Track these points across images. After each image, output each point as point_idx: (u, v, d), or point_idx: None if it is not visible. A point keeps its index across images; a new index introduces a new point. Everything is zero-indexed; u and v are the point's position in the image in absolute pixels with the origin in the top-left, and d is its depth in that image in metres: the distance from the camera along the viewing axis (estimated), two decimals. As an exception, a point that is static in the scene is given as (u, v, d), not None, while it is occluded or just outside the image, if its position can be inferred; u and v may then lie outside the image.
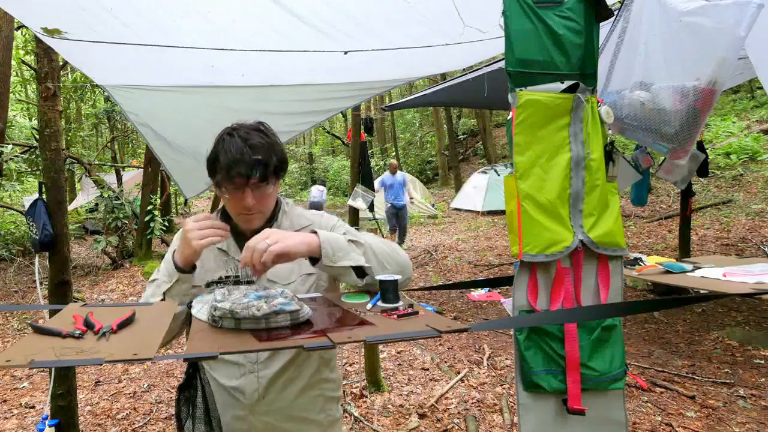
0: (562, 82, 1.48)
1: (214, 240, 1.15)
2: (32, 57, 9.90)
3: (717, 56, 1.66)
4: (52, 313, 1.08)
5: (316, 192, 12.43)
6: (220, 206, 1.36)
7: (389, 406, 3.31)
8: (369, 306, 1.11)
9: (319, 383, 1.33)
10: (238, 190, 1.19)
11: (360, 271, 1.17)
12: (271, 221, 1.31)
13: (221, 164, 1.17)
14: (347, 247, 1.16)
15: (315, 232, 1.15)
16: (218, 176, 1.19)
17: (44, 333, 0.89)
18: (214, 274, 1.27)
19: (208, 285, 1.25)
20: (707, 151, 5.35)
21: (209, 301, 1.06)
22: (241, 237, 1.28)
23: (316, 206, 11.25)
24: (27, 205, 2.65)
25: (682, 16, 1.75)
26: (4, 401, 3.77)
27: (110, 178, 10.69)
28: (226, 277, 1.25)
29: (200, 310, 1.08)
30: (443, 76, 7.37)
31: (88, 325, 0.92)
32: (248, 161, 1.16)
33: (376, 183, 8.32)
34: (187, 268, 1.18)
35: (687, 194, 5.08)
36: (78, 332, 0.89)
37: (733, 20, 1.61)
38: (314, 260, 1.15)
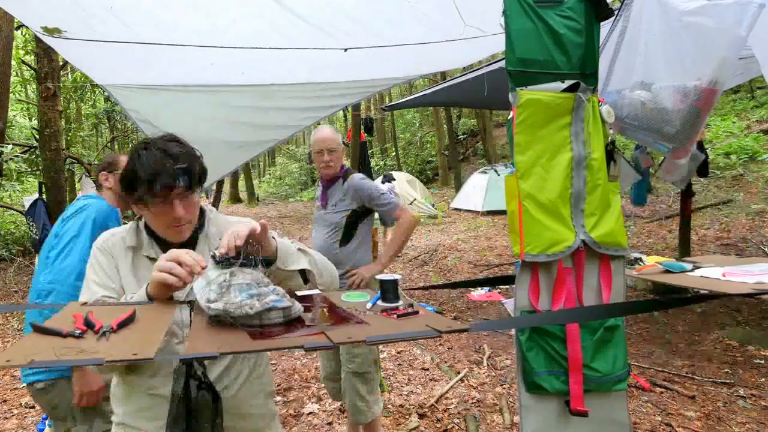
0: (563, 82, 1.48)
1: (176, 284, 1.07)
2: (32, 57, 9.88)
3: (718, 56, 1.66)
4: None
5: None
6: (138, 222, 1.31)
7: (389, 406, 3.30)
8: (369, 305, 1.11)
9: (259, 378, 1.36)
10: (164, 203, 1.17)
11: (304, 277, 1.24)
12: (198, 230, 1.31)
13: (142, 178, 1.14)
14: (297, 253, 1.25)
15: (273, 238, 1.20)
16: (140, 191, 1.15)
17: (45, 333, 0.89)
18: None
19: (213, 257, 1.18)
20: (707, 151, 5.34)
21: (200, 285, 1.06)
22: (165, 246, 1.26)
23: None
24: (27, 205, 2.66)
25: (683, 16, 1.75)
26: (4, 401, 3.76)
27: (110, 178, 10.66)
28: (234, 257, 1.22)
29: (203, 288, 1.06)
30: (443, 76, 7.37)
31: (88, 324, 0.92)
32: (171, 171, 1.15)
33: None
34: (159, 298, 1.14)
35: (687, 194, 5.07)
36: (78, 332, 0.89)
37: (734, 20, 1.61)
38: (268, 263, 1.18)
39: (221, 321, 1.00)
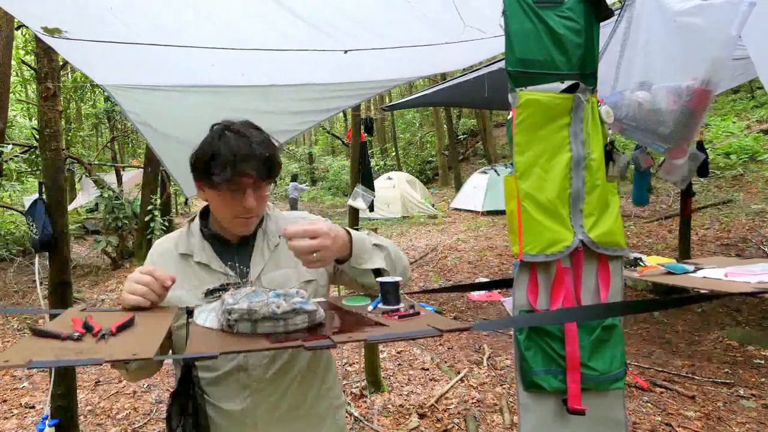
0: (562, 82, 1.48)
1: (141, 303, 1.05)
2: (32, 57, 9.89)
3: (710, 56, 1.66)
4: (52, 317, 1.07)
5: (292, 189, 11.53)
6: (190, 224, 1.25)
7: (389, 406, 3.31)
8: (370, 308, 1.11)
9: (327, 392, 1.29)
10: (239, 191, 1.11)
11: (378, 274, 1.17)
12: (256, 227, 1.25)
13: (224, 161, 1.07)
14: (372, 249, 1.17)
15: (348, 232, 1.13)
16: (220, 175, 1.08)
17: (43, 336, 0.89)
18: (201, 287, 1.17)
19: (206, 294, 1.16)
20: (707, 151, 5.35)
21: (216, 308, 1.02)
22: (223, 245, 1.21)
23: (292, 203, 10.62)
24: (27, 205, 2.66)
25: (677, 16, 1.75)
26: (4, 401, 3.76)
27: (110, 178, 10.68)
28: (228, 284, 1.18)
29: (207, 318, 1.03)
30: (443, 76, 7.36)
31: (87, 327, 0.92)
32: (258, 158, 1.09)
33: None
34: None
35: (687, 194, 5.08)
36: (77, 334, 0.89)
37: (726, 19, 1.60)
38: (340, 260, 1.14)
39: (240, 331, 0.94)
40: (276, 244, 1.24)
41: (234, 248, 1.23)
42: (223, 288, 1.17)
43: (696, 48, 1.70)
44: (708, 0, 1.67)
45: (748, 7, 1.55)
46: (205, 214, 1.26)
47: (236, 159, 1.07)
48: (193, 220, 1.27)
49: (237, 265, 1.21)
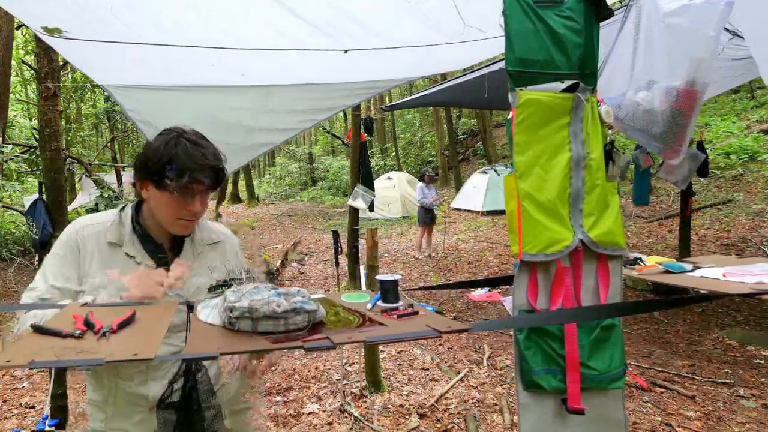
0: (562, 82, 1.48)
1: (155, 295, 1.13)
2: (32, 57, 9.89)
3: (693, 56, 1.66)
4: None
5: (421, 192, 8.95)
6: (121, 214, 1.28)
7: (389, 406, 3.31)
8: (369, 306, 1.11)
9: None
10: (188, 195, 1.17)
11: None
12: None
13: (180, 169, 1.13)
14: None
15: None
16: (173, 181, 1.14)
17: (44, 333, 0.89)
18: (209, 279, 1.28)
19: (210, 290, 1.24)
20: (707, 151, 5.35)
21: (218, 304, 1.04)
22: (151, 244, 1.25)
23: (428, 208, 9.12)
24: (27, 205, 2.66)
25: (666, 17, 1.75)
26: (4, 401, 3.76)
27: (110, 178, 10.66)
28: (231, 280, 1.24)
29: (210, 314, 1.05)
30: (443, 76, 7.37)
31: (88, 325, 0.92)
32: (212, 168, 1.17)
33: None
34: None
35: (687, 194, 5.08)
36: (78, 332, 0.89)
37: (705, 19, 1.61)
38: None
39: (240, 329, 0.95)
40: (200, 253, 1.31)
41: (159, 248, 1.27)
42: (227, 284, 1.19)
43: (681, 48, 1.71)
44: (691, 0, 1.68)
45: (725, 6, 1.55)
46: (137, 207, 1.29)
47: (194, 168, 1.14)
48: (123, 209, 1.29)
49: (159, 266, 1.24)
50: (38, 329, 0.90)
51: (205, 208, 1.25)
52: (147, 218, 1.25)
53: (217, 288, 1.22)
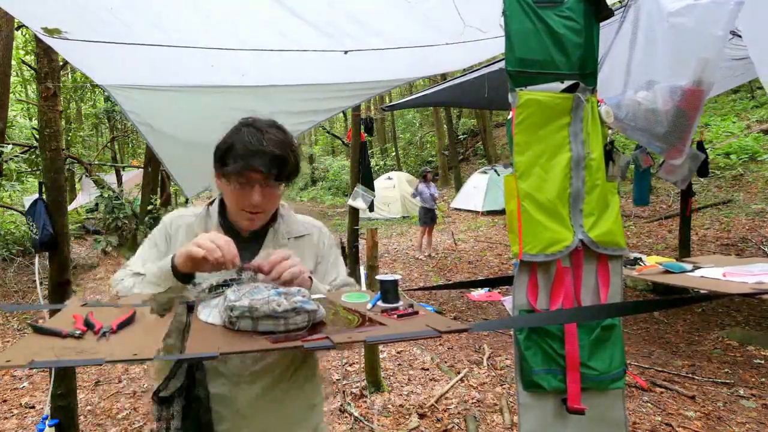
0: (562, 82, 1.48)
1: (207, 256, 1.03)
2: (32, 57, 9.89)
3: (699, 56, 1.66)
4: (52, 313, 1.07)
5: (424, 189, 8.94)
6: (216, 198, 1.29)
7: (389, 406, 3.31)
8: (369, 306, 1.11)
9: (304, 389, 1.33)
10: (247, 185, 1.14)
11: None
12: (268, 224, 1.27)
13: (237, 154, 1.11)
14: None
15: (311, 279, 1.18)
16: (230, 166, 1.12)
17: (44, 333, 0.89)
18: (210, 278, 1.20)
19: (210, 290, 1.19)
20: (707, 151, 5.35)
21: (219, 304, 1.03)
22: (235, 236, 1.20)
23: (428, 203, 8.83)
24: (27, 205, 2.65)
25: (670, 17, 1.75)
26: (4, 401, 3.76)
27: (110, 178, 10.68)
28: (231, 279, 1.20)
29: (210, 314, 1.04)
30: (443, 76, 7.37)
31: (88, 325, 0.92)
32: (268, 155, 1.11)
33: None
34: (188, 275, 1.11)
35: (687, 194, 5.08)
36: (78, 332, 0.89)
37: (712, 19, 1.61)
38: None
39: (240, 328, 0.95)
40: (284, 245, 1.27)
41: (244, 241, 1.25)
42: (226, 284, 1.18)
43: (686, 48, 1.70)
44: (697, 0, 1.67)
45: (734, 6, 1.55)
46: (223, 201, 1.29)
47: (247, 154, 1.10)
48: (211, 203, 1.29)
49: (247, 257, 1.22)
50: (38, 329, 0.90)
51: (272, 199, 1.19)
52: (228, 211, 1.26)
53: (217, 288, 1.19)
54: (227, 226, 1.25)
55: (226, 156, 1.13)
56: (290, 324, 0.94)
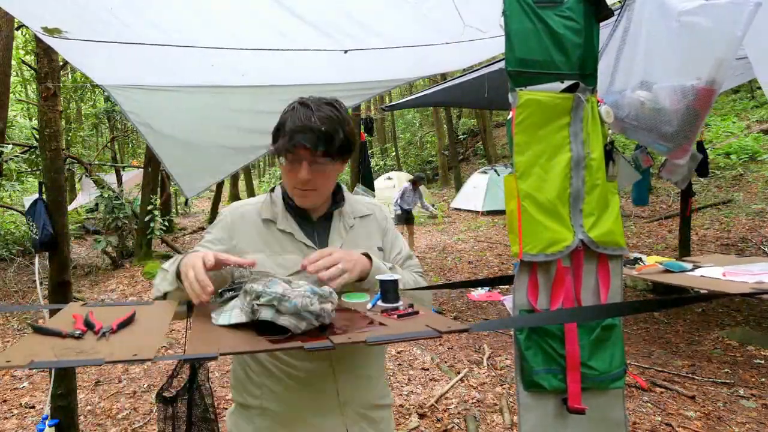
0: (562, 82, 1.48)
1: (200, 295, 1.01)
2: (32, 57, 9.89)
3: (715, 56, 1.66)
4: (52, 313, 1.07)
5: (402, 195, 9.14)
6: (271, 194, 1.29)
7: (389, 406, 3.31)
8: (369, 306, 1.11)
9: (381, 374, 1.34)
10: (295, 162, 1.14)
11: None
12: (334, 205, 1.29)
13: (285, 130, 1.13)
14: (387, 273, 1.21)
15: (370, 259, 1.17)
16: (280, 143, 1.13)
17: (44, 333, 0.89)
18: (282, 254, 1.20)
19: (217, 296, 1.15)
20: (707, 151, 5.35)
21: (239, 304, 1.00)
22: (303, 219, 1.25)
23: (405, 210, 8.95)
24: (27, 205, 2.65)
25: (681, 16, 1.75)
26: (4, 401, 3.76)
27: (110, 178, 10.67)
28: (239, 282, 1.16)
29: (231, 316, 1.00)
30: (443, 76, 7.37)
31: (88, 325, 0.92)
32: (315, 131, 1.11)
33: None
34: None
35: (687, 194, 5.08)
36: (78, 332, 0.89)
37: (731, 20, 1.61)
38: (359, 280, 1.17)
39: (260, 318, 0.92)
40: (351, 226, 1.29)
41: (313, 224, 1.27)
42: (233, 288, 1.15)
43: (700, 48, 1.70)
44: (712, 0, 1.67)
45: (753, 7, 1.55)
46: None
47: (294, 129, 1.11)
48: (273, 190, 1.30)
49: (316, 239, 1.24)
50: (38, 329, 0.90)
51: (324, 177, 1.19)
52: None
53: (222, 294, 1.15)
54: (294, 209, 1.25)
55: (277, 134, 1.16)
56: (307, 327, 0.92)
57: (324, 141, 1.12)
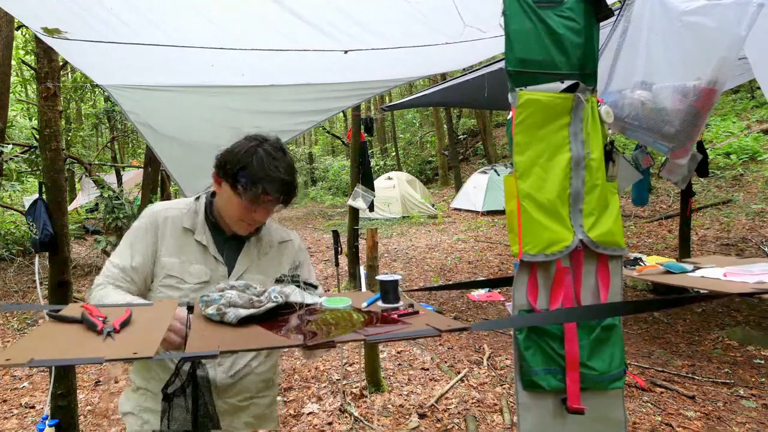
0: (562, 82, 1.48)
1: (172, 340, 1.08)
2: (32, 57, 9.90)
3: (718, 56, 1.66)
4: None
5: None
6: (202, 194, 1.35)
7: (389, 406, 3.31)
8: (365, 305, 1.11)
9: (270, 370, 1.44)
10: (256, 204, 1.20)
11: None
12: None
13: (255, 177, 1.16)
14: None
15: None
16: (245, 188, 1.17)
17: (61, 321, 0.91)
18: (189, 264, 1.27)
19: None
20: (707, 151, 5.35)
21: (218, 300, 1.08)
22: (219, 234, 1.32)
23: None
24: (27, 205, 2.65)
25: (683, 16, 1.75)
26: (4, 401, 3.76)
27: (110, 178, 10.67)
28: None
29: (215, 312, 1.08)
30: (443, 76, 7.37)
31: (90, 324, 0.93)
32: (285, 183, 1.19)
33: None
34: None
35: (687, 194, 5.08)
36: (100, 320, 0.90)
37: (734, 20, 1.61)
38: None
39: (228, 321, 1.01)
40: (266, 254, 1.36)
41: (226, 240, 1.33)
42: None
43: (703, 47, 1.70)
44: (715, 0, 1.67)
45: (756, 7, 1.56)
46: (211, 200, 1.34)
47: (265, 179, 1.17)
48: (198, 199, 1.35)
49: (224, 256, 1.31)
50: (56, 317, 0.92)
51: (269, 216, 1.29)
52: (218, 210, 1.31)
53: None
54: (213, 223, 1.32)
55: (239, 176, 1.19)
56: (263, 304, 1.03)
57: (288, 191, 1.22)
